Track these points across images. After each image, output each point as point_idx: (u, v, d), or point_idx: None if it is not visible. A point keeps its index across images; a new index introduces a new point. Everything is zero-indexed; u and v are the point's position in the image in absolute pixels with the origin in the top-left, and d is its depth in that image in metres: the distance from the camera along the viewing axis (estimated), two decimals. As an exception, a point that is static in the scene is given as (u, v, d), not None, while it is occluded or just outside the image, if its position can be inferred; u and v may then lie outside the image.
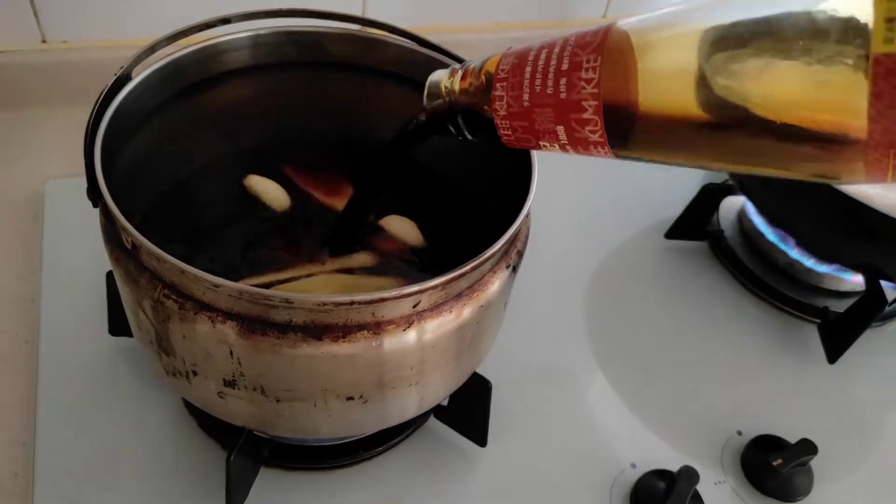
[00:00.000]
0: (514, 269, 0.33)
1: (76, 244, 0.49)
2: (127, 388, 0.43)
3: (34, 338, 0.45)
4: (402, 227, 0.42)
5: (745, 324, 0.54)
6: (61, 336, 0.45)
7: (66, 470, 0.39)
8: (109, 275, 0.41)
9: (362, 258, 0.40)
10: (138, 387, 0.43)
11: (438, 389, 0.35)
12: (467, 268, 0.28)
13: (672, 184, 0.65)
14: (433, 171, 0.44)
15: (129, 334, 0.40)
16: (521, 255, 0.34)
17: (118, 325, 0.43)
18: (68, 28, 0.58)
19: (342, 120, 0.45)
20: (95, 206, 0.30)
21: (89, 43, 0.59)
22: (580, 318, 0.52)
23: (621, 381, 0.49)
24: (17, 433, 0.41)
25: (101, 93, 0.33)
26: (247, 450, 0.36)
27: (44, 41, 0.58)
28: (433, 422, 0.43)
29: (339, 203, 0.42)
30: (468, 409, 0.41)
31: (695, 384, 0.49)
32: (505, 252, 0.32)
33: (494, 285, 0.32)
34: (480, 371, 0.39)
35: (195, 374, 0.31)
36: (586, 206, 0.62)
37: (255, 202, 0.41)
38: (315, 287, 0.37)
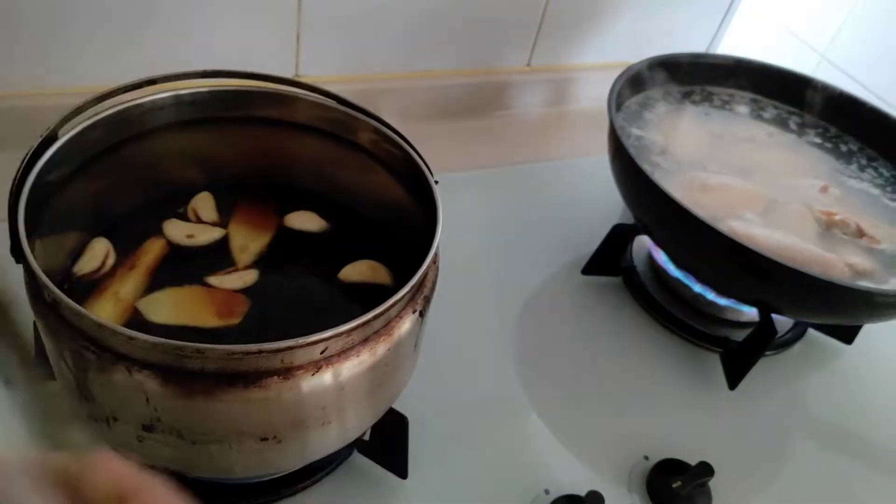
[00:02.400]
0: (422, 314, 0.36)
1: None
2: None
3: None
4: (305, 220, 0.46)
5: (656, 353, 0.58)
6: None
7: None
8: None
9: (245, 277, 0.43)
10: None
11: (353, 427, 0.37)
12: (370, 316, 0.31)
13: (585, 222, 0.69)
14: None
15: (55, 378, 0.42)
16: (428, 300, 0.37)
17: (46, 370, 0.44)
18: (2, 78, 0.59)
19: (259, 165, 0.48)
20: (18, 262, 0.32)
21: (19, 92, 0.60)
22: (502, 350, 0.56)
23: (541, 409, 0.52)
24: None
25: (28, 153, 0.35)
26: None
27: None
28: (357, 455, 0.45)
29: (258, 226, 0.46)
30: (388, 443, 0.43)
31: (608, 411, 0.53)
32: (411, 298, 0.35)
33: (401, 330, 0.34)
34: (399, 407, 0.42)
35: (115, 419, 0.32)
36: (504, 242, 0.66)
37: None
38: (186, 299, 0.40)
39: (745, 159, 0.61)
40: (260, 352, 0.29)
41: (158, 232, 0.44)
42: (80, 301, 0.33)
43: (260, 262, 0.44)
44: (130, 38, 0.60)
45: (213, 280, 0.42)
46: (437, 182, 0.40)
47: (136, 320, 0.39)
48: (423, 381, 0.43)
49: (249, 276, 0.42)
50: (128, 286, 0.40)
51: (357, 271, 0.43)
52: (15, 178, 0.34)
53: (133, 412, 0.31)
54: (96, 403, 0.32)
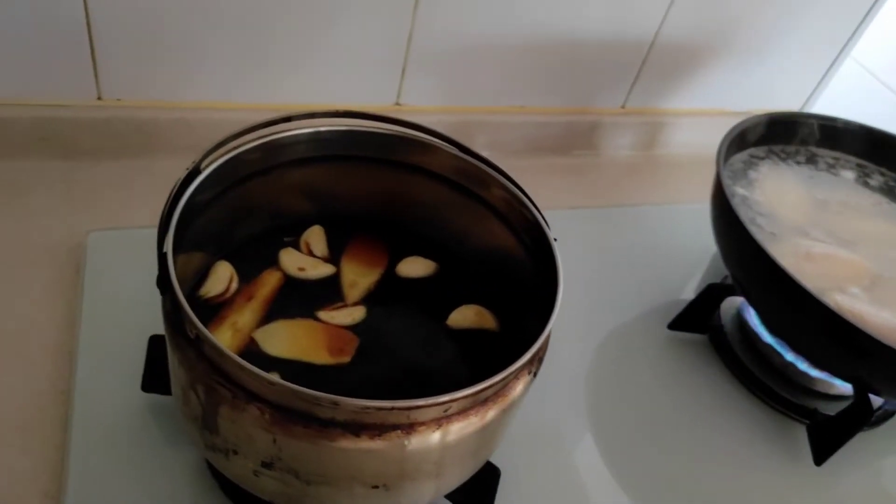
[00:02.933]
0: (535, 375, 0.36)
1: (116, 297, 0.52)
2: (154, 445, 0.45)
3: (69, 389, 0.47)
4: (415, 267, 0.47)
5: (737, 418, 0.57)
6: (95, 389, 0.47)
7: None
8: (153, 339, 0.44)
9: (354, 313, 0.44)
10: (165, 445, 0.45)
11: (454, 479, 0.38)
12: (496, 379, 0.31)
13: (671, 270, 0.68)
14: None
15: (160, 391, 0.43)
16: (541, 360, 0.37)
17: (152, 382, 0.46)
18: (124, 87, 0.61)
19: (380, 207, 0.49)
20: (163, 294, 0.33)
21: (140, 102, 0.62)
22: (580, 398, 0.55)
23: (616, 462, 0.51)
24: (47, 485, 0.42)
25: (174, 186, 0.36)
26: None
27: (99, 98, 0.61)
28: (442, 500, 0.45)
29: (369, 263, 0.47)
30: (477, 492, 0.43)
31: (684, 472, 0.52)
32: (528, 361, 0.35)
33: (517, 390, 0.35)
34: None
35: (235, 452, 0.33)
36: (585, 284, 0.65)
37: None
38: (300, 333, 0.42)
39: (850, 228, 0.60)
40: (392, 408, 0.30)
41: (275, 261, 0.45)
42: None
43: (368, 299, 0.45)
44: (249, 64, 0.63)
45: (324, 315, 0.43)
46: (555, 240, 0.40)
47: (250, 350, 0.40)
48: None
49: (358, 313, 0.43)
50: (246, 316, 0.41)
51: (464, 317, 0.44)
52: (164, 211, 0.35)
53: (255, 449, 0.32)
54: (220, 436, 0.33)
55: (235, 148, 0.40)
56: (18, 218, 0.57)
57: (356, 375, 0.40)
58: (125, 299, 0.51)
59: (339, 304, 0.44)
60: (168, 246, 0.33)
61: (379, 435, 0.31)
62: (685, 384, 0.59)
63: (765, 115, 0.63)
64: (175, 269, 0.32)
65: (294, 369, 0.39)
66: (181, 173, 0.37)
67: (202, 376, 0.32)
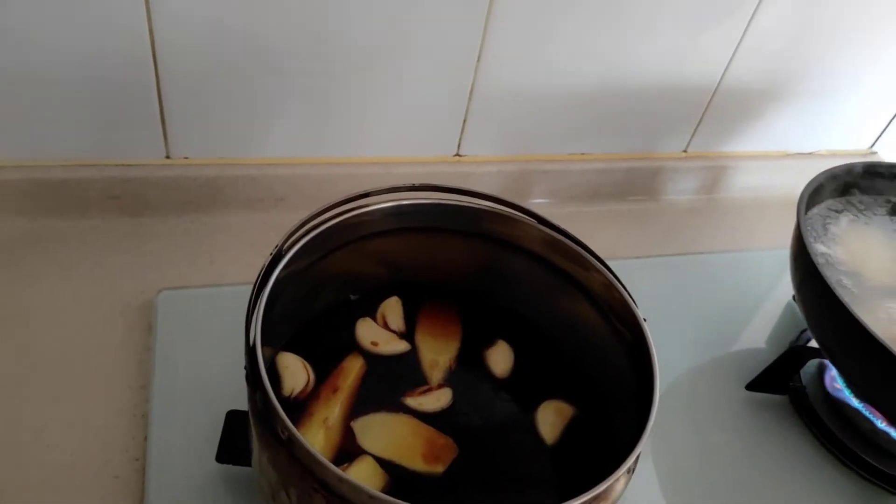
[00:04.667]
0: (633, 472, 0.35)
1: (188, 357, 0.52)
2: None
3: (142, 455, 0.47)
4: (500, 355, 0.46)
5: (823, 486, 0.54)
6: (169, 455, 0.47)
7: None
8: (231, 414, 0.44)
9: (441, 397, 0.43)
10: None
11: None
12: (602, 489, 0.30)
13: (742, 322, 0.66)
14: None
15: (235, 462, 0.43)
16: (638, 457, 0.35)
17: (227, 454, 0.45)
18: (191, 146, 0.62)
19: (447, 273, 0.48)
20: (253, 390, 0.32)
21: (208, 160, 0.63)
22: (652, 463, 0.53)
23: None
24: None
25: (260, 272, 0.36)
26: None
27: (168, 157, 0.62)
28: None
29: (444, 336, 0.46)
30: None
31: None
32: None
33: (616, 491, 0.33)
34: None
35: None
36: (661, 341, 0.63)
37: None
38: (397, 431, 0.41)
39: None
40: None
41: (351, 337, 0.44)
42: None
43: (451, 377, 0.44)
44: (312, 119, 0.63)
45: (411, 402, 0.42)
46: (645, 320, 0.39)
47: (345, 444, 0.39)
48: None
49: (444, 397, 0.43)
50: (335, 410, 0.40)
51: (546, 420, 0.43)
52: (251, 298, 0.34)
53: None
54: (309, 536, 0.32)
55: (314, 228, 0.39)
56: (90, 276, 0.58)
57: (447, 483, 0.39)
58: (196, 360, 0.51)
59: (424, 387, 0.43)
60: (257, 337, 0.32)
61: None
62: (764, 448, 0.56)
63: (846, 164, 0.60)
64: (265, 362, 0.32)
65: (386, 468, 0.39)
66: (265, 258, 0.36)
67: (296, 480, 0.31)
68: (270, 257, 0.36)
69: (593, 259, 0.42)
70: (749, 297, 0.69)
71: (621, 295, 0.40)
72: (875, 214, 0.63)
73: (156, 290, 0.57)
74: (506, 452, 0.42)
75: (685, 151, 0.78)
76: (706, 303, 0.67)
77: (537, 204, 0.74)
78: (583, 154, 0.74)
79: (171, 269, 0.60)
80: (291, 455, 0.31)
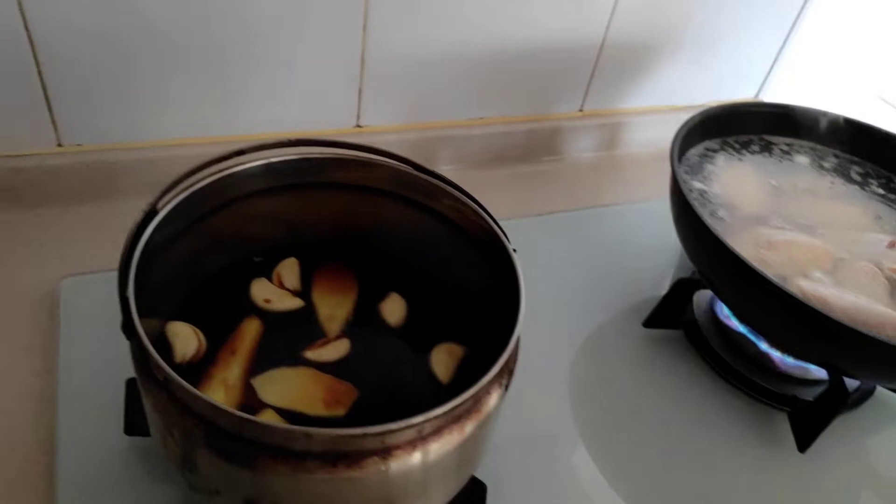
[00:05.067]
0: (507, 388, 0.37)
1: (92, 342, 0.52)
2: (141, 488, 0.45)
3: (50, 437, 0.47)
4: (392, 305, 0.47)
5: (719, 411, 0.58)
6: (78, 434, 0.47)
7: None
8: (129, 382, 0.44)
9: (339, 347, 0.44)
10: (152, 486, 0.45)
11: (440, 498, 0.38)
12: (465, 397, 0.32)
13: (642, 269, 0.69)
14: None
15: (144, 434, 0.43)
16: (512, 373, 0.38)
17: (134, 425, 0.46)
18: (82, 132, 0.61)
19: (341, 227, 0.49)
20: (129, 339, 0.33)
21: (102, 146, 0.62)
22: (562, 404, 0.56)
23: (605, 465, 0.52)
24: (35, 535, 0.42)
25: (132, 230, 0.36)
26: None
27: (59, 144, 0.61)
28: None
29: (340, 291, 0.48)
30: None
31: (672, 468, 0.53)
32: (497, 374, 0.36)
33: (489, 406, 0.35)
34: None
35: (218, 492, 0.34)
36: (559, 288, 0.66)
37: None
38: (298, 382, 0.42)
39: (809, 213, 0.61)
40: (364, 435, 0.30)
41: (247, 304, 0.45)
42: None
43: (348, 329, 0.45)
44: (207, 99, 0.63)
45: (311, 354, 0.43)
46: (514, 251, 0.41)
47: (247, 402, 0.40)
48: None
49: (342, 347, 0.44)
50: (234, 371, 0.41)
51: (440, 361, 0.44)
52: (123, 253, 0.35)
53: (236, 488, 0.33)
54: (200, 476, 0.33)
55: (191, 185, 0.40)
56: (-12, 270, 0.57)
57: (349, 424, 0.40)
58: (102, 343, 0.51)
59: (322, 340, 0.44)
60: (130, 290, 0.33)
61: (356, 463, 0.31)
62: (665, 381, 0.59)
63: (716, 107, 0.64)
64: (138, 311, 0.33)
65: (288, 418, 0.40)
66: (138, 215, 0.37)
67: (177, 419, 0.32)
68: (143, 214, 0.37)
69: (465, 197, 0.44)
70: (651, 245, 0.73)
71: (492, 230, 0.42)
72: (751, 153, 0.67)
73: (59, 279, 0.57)
74: (404, 393, 0.44)
75: (581, 111, 0.81)
76: (610, 254, 0.71)
77: (444, 170, 0.76)
78: (482, 118, 0.77)
79: (74, 258, 0.59)
80: (171, 396, 0.32)
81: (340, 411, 0.41)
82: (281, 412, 0.40)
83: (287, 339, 0.45)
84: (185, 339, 0.41)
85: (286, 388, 0.42)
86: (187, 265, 0.43)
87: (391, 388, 0.44)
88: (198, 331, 0.42)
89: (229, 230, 0.45)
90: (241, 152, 0.42)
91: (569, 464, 0.52)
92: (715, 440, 0.56)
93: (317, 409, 0.41)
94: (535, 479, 0.50)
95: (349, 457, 0.31)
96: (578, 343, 0.61)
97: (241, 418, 0.29)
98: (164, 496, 0.45)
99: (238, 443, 0.31)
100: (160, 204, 0.39)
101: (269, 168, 0.43)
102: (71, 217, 0.62)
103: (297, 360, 0.43)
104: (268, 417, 0.40)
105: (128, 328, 0.33)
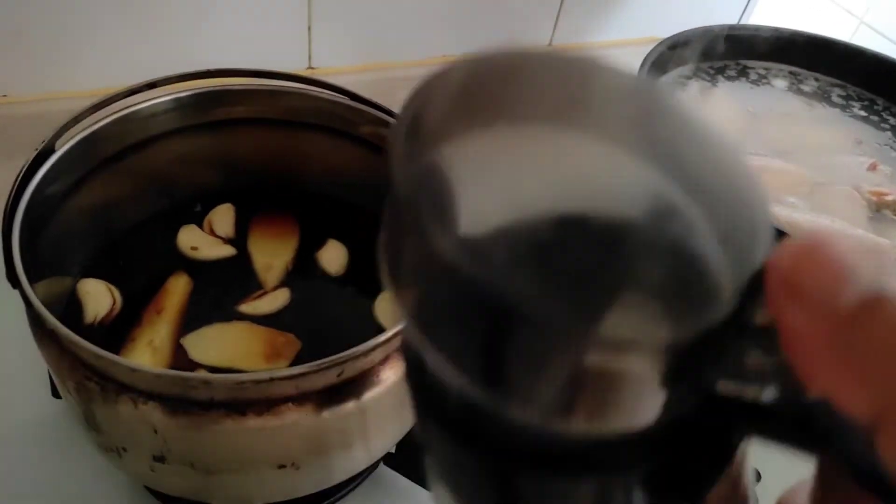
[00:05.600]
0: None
1: (13, 304, 0.49)
2: (71, 451, 0.42)
3: (-23, 404, 0.45)
4: (332, 252, 0.44)
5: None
6: (5, 398, 0.44)
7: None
8: (47, 341, 0.41)
9: (277, 297, 0.41)
10: (82, 449, 0.42)
11: (377, 447, 0.35)
12: (388, 335, 0.29)
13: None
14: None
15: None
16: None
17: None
18: (7, 83, 0.57)
19: (280, 172, 0.45)
20: (14, 288, 0.30)
21: (28, 97, 0.58)
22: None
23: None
24: (-41, 507, 0.40)
25: (23, 167, 0.33)
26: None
27: (-18, 96, 0.57)
28: (383, 468, 0.43)
29: (279, 238, 0.44)
30: (417, 455, 0.41)
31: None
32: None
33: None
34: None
35: (125, 450, 0.31)
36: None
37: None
38: (235, 338, 0.38)
39: (786, 138, 0.57)
40: (271, 379, 0.27)
41: (173, 254, 0.42)
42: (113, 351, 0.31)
43: (287, 279, 0.42)
44: (136, 38, 0.58)
45: (246, 308, 0.40)
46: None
47: (180, 364, 0.37)
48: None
49: (280, 297, 0.41)
50: (161, 332, 0.38)
51: (386, 309, 0.41)
52: (10, 196, 0.32)
53: (142, 443, 0.30)
54: (104, 434, 0.30)
55: (94, 123, 0.36)
56: None
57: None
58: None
59: (259, 292, 0.41)
60: (14, 235, 0.30)
61: (267, 411, 0.28)
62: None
63: (686, 31, 0.60)
64: (23, 262, 0.29)
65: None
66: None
67: (69, 372, 0.29)
68: (35, 152, 0.33)
69: (385, 115, 0.40)
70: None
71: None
72: (727, 78, 0.63)
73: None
74: (350, 343, 0.41)
75: (550, 44, 0.77)
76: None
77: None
78: (444, 55, 0.72)
79: None
80: (62, 348, 0.29)
81: (283, 364, 0.38)
82: (217, 371, 0.37)
83: (219, 293, 0.41)
84: (97, 296, 0.38)
85: (220, 344, 0.38)
86: (99, 214, 0.40)
87: (337, 338, 0.40)
88: (112, 288, 0.39)
89: (147, 175, 0.41)
90: (152, 85, 0.38)
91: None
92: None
93: (257, 364, 0.37)
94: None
95: (259, 405, 0.28)
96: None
97: (129, 367, 0.26)
98: (92, 461, 0.42)
99: (132, 394, 0.28)
100: (59, 143, 0.35)
101: (181, 102, 0.40)
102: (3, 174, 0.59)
103: (233, 316, 0.40)
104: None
105: (11, 276, 0.29)
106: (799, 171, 0.54)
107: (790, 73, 0.65)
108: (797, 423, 0.13)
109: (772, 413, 0.13)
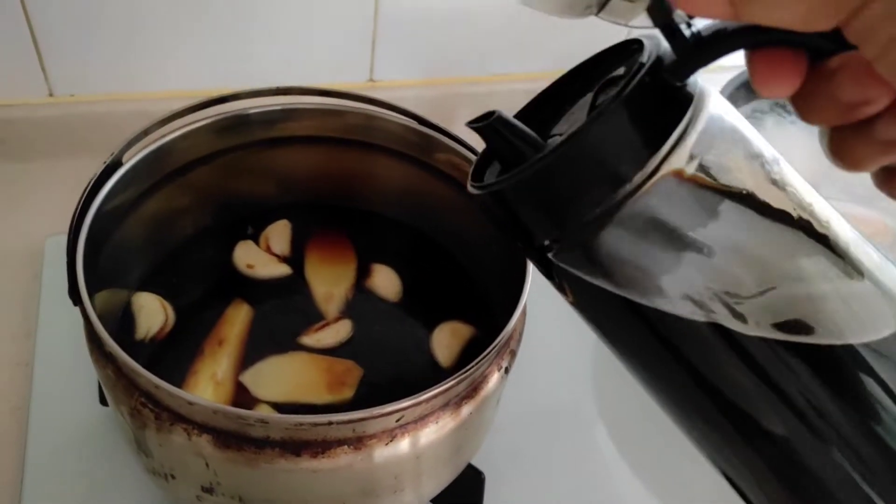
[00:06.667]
0: (507, 371, 0.32)
1: (62, 301, 0.49)
2: (115, 462, 0.42)
3: (24, 404, 0.44)
4: (385, 279, 0.42)
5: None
6: (52, 403, 0.44)
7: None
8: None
9: (340, 330, 0.39)
10: (127, 460, 0.42)
11: (427, 491, 0.34)
12: (453, 382, 0.27)
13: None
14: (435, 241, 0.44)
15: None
16: (514, 354, 0.33)
17: (107, 395, 0.42)
18: (75, 82, 0.58)
19: (339, 190, 0.44)
20: (75, 305, 0.29)
21: (96, 97, 0.59)
22: (582, 387, 0.51)
23: (628, 451, 0.47)
24: (4, 505, 0.40)
25: (89, 183, 0.32)
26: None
27: (51, 94, 0.58)
28: (426, 505, 0.42)
29: (337, 264, 0.43)
30: (461, 499, 0.40)
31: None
32: (497, 355, 0.31)
33: (485, 390, 0.31)
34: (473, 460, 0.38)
35: (173, 477, 0.30)
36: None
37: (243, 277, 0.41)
38: (294, 370, 0.37)
39: (867, 181, 0.54)
40: (330, 423, 0.26)
41: (228, 273, 0.41)
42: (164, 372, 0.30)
43: (349, 310, 0.41)
44: (204, 45, 0.58)
45: (308, 340, 0.38)
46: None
47: (242, 400, 0.36)
48: (498, 425, 0.39)
49: (343, 330, 0.39)
50: (223, 364, 0.37)
51: (441, 343, 0.39)
52: (76, 210, 0.31)
53: (191, 473, 0.29)
54: (153, 459, 0.30)
55: (164, 136, 0.36)
56: (-27, 226, 0.54)
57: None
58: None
59: (321, 323, 0.40)
60: (79, 251, 0.29)
61: (322, 453, 0.27)
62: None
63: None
64: (85, 277, 0.29)
65: (293, 413, 0.35)
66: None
67: (124, 396, 0.28)
68: (104, 165, 0.33)
69: (469, 153, 0.39)
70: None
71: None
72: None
73: (44, 238, 0.54)
74: (411, 374, 0.39)
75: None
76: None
77: (461, 131, 0.71)
78: (507, 74, 0.71)
79: (62, 216, 0.55)
80: (118, 371, 0.28)
81: (348, 394, 0.36)
82: (280, 407, 0.36)
83: (278, 321, 0.40)
84: (151, 312, 0.37)
85: (280, 378, 0.37)
86: (158, 227, 0.39)
87: (396, 367, 0.39)
88: (166, 304, 0.38)
89: (207, 190, 0.40)
90: (222, 100, 0.38)
91: (588, 458, 0.47)
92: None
93: (320, 396, 0.36)
94: (539, 470, 0.45)
95: (315, 445, 0.27)
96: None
97: (186, 400, 0.25)
98: (135, 470, 0.41)
99: (187, 425, 0.27)
100: (126, 156, 0.35)
101: (247, 119, 0.39)
102: (61, 172, 0.59)
103: (294, 348, 0.38)
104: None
105: (73, 293, 0.29)
106: (881, 219, 0.51)
107: (777, 104, 0.61)
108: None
109: None
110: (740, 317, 0.19)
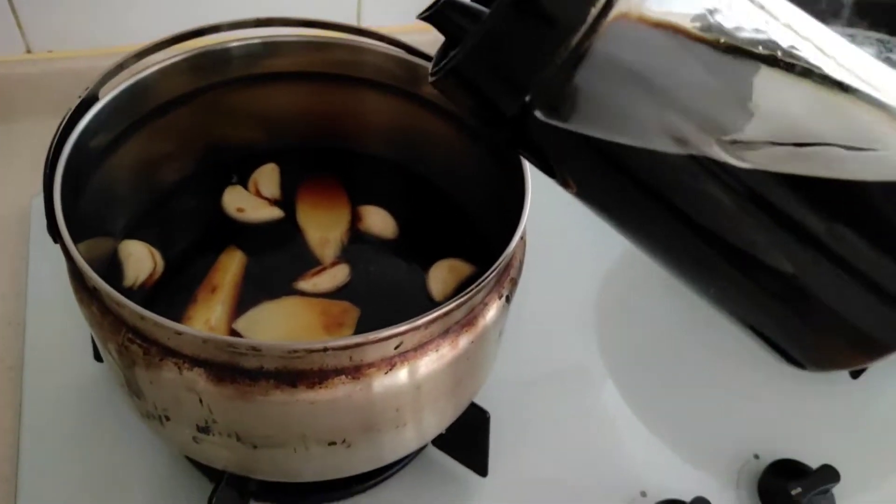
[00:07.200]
0: (508, 299, 0.31)
1: (57, 266, 0.48)
2: (112, 417, 0.41)
3: (18, 364, 0.44)
4: (378, 220, 0.41)
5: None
6: (46, 362, 0.44)
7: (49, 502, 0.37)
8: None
9: (337, 274, 0.38)
10: (124, 415, 0.41)
11: (430, 427, 0.33)
12: (451, 306, 0.26)
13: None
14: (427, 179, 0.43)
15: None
16: (515, 282, 0.32)
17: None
18: (53, 38, 0.56)
19: (326, 131, 0.43)
20: (55, 242, 0.28)
21: (75, 52, 0.57)
22: (587, 331, 0.50)
23: (633, 398, 0.46)
24: (2, 466, 0.39)
25: (65, 116, 0.31)
26: (233, 485, 0.34)
27: (28, 51, 0.56)
28: (431, 449, 0.41)
29: (331, 209, 0.41)
30: (467, 438, 0.39)
31: (710, 402, 0.47)
32: (496, 282, 0.30)
33: (485, 319, 0.29)
34: (478, 399, 0.37)
35: (167, 418, 0.29)
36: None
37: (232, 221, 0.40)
38: (289, 314, 0.35)
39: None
40: (325, 349, 0.25)
41: (217, 217, 0.40)
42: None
43: (345, 253, 0.39)
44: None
45: (305, 285, 0.37)
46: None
47: None
48: (502, 368, 0.38)
49: (341, 274, 0.38)
50: (217, 311, 0.35)
51: (437, 278, 0.38)
52: (51, 145, 0.30)
53: (186, 412, 0.28)
54: (145, 400, 0.29)
55: (142, 70, 0.34)
56: (-45, 189, 0.53)
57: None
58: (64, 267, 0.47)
59: (317, 268, 0.38)
60: (56, 185, 0.28)
61: (319, 383, 0.26)
62: (703, 306, 0.53)
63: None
64: (66, 217, 0.27)
65: None
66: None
67: (110, 334, 0.27)
68: (78, 100, 0.31)
69: None
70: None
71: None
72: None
73: (30, 197, 0.53)
74: (408, 313, 0.38)
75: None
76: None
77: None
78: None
79: (47, 174, 0.54)
80: (104, 307, 0.27)
81: (346, 334, 0.35)
82: None
83: (273, 266, 0.39)
84: (139, 259, 0.36)
85: (275, 323, 0.36)
86: (141, 173, 0.38)
87: (394, 307, 0.38)
88: (154, 251, 0.37)
89: (190, 132, 0.39)
90: (199, 33, 0.36)
91: (592, 397, 0.46)
92: (759, 369, 0.48)
93: (318, 338, 0.35)
94: (551, 411, 0.45)
95: (311, 375, 0.26)
96: (604, 268, 0.54)
97: (175, 330, 0.24)
98: (130, 425, 0.40)
99: (177, 359, 0.26)
100: (102, 91, 0.33)
101: (228, 54, 0.37)
102: (43, 131, 0.57)
103: (289, 293, 0.37)
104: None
105: (52, 228, 0.28)
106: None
107: (878, 40, 0.59)
108: None
109: None
110: (728, 149, 0.20)
